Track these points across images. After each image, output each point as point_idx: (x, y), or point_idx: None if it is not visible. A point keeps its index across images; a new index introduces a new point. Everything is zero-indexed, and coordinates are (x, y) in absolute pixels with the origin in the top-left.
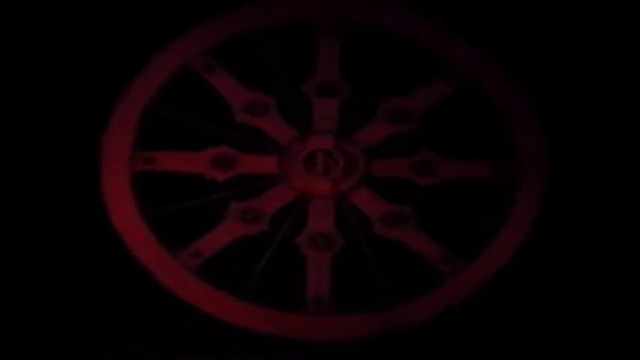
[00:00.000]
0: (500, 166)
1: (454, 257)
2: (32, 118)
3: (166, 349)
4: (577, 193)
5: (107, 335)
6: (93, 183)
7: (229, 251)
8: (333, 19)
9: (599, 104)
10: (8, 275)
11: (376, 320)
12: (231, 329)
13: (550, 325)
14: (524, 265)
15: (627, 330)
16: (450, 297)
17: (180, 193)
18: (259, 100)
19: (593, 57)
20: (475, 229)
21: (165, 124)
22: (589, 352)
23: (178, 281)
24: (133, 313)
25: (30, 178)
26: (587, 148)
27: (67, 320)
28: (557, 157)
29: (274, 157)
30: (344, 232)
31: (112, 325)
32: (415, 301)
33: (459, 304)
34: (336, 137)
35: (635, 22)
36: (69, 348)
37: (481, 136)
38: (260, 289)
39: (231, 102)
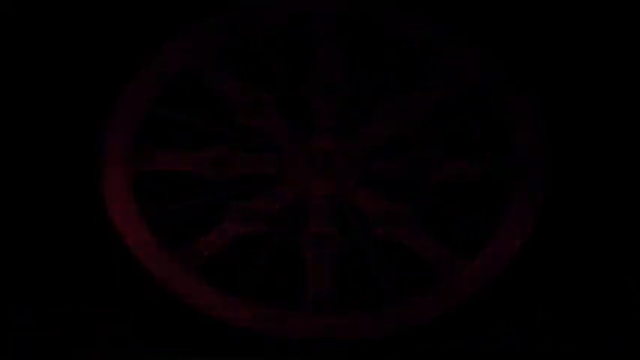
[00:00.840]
0: (500, 166)
1: (454, 257)
2: (32, 118)
3: (166, 349)
4: (577, 193)
5: (107, 335)
6: (93, 183)
7: (229, 251)
8: (333, 18)
9: (601, 104)
10: (8, 275)
11: (376, 320)
12: (231, 329)
13: (550, 325)
14: (524, 265)
15: (627, 330)
16: (450, 297)
17: (180, 193)
18: (259, 100)
19: (594, 57)
20: (475, 229)
21: (165, 124)
22: (589, 352)
23: (178, 281)
24: (133, 313)
25: (29, 178)
26: (588, 147)
27: (67, 320)
28: (557, 157)
29: (274, 157)
30: (344, 232)
31: (112, 325)
32: (415, 301)
33: (458, 304)
34: (336, 137)
35: (637, 23)
36: (69, 348)
37: (481, 136)
38: (260, 289)
39: (231, 102)
